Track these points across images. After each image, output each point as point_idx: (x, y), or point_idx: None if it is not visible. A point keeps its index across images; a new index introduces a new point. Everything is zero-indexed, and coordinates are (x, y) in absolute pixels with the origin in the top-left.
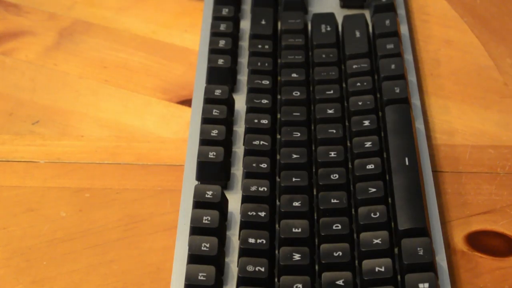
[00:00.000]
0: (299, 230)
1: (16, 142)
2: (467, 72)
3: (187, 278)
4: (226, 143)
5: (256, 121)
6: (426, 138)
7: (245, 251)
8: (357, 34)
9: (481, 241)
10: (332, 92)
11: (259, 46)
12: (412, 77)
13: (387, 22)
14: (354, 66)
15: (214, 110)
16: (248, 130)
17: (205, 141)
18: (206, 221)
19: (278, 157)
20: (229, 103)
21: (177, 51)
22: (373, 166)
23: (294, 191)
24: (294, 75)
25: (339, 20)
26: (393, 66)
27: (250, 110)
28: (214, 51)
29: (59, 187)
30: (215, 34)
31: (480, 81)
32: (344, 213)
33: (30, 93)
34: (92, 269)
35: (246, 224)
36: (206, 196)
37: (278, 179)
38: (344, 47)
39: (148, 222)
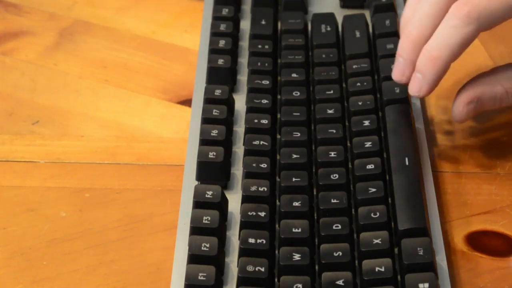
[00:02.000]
0: (299, 230)
1: (16, 142)
2: (467, 72)
3: (187, 278)
4: (226, 143)
5: (256, 121)
6: (426, 138)
7: (245, 251)
8: (357, 34)
9: (481, 241)
10: (332, 92)
11: (259, 46)
12: None
13: (387, 22)
14: (354, 66)
15: (214, 110)
16: (248, 130)
17: (205, 141)
18: (206, 221)
19: (278, 157)
20: (229, 103)
21: (177, 51)
22: (373, 166)
23: (294, 191)
24: (294, 75)
25: (339, 20)
26: (393, 66)
27: (250, 110)
28: (214, 51)
29: (59, 187)
30: (215, 34)
31: None
32: (344, 213)
33: (30, 93)
34: (92, 269)
35: (246, 224)
36: (206, 196)
37: (278, 179)
38: (344, 47)
39: (148, 222)
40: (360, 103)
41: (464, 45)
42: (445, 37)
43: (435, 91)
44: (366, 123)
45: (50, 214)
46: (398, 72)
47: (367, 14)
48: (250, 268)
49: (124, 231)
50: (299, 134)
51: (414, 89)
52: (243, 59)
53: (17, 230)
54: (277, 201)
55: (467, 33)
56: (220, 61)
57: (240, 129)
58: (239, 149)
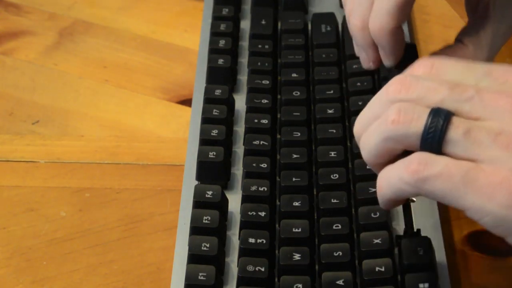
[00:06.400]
0: (299, 230)
1: (16, 142)
2: None
3: (187, 278)
4: (226, 143)
5: (256, 121)
6: None
7: (245, 251)
8: None
9: (481, 241)
10: (332, 92)
11: (259, 46)
12: None
13: None
14: (354, 66)
15: (214, 110)
16: (248, 130)
17: (205, 141)
18: (206, 221)
19: (278, 157)
20: (229, 103)
21: (177, 51)
22: None
23: (294, 191)
24: (294, 75)
25: (339, 20)
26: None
27: (250, 110)
28: (214, 51)
29: (59, 187)
30: (215, 34)
31: None
32: (344, 213)
33: (30, 93)
34: (92, 269)
35: (246, 224)
36: (206, 196)
37: (278, 179)
38: (344, 47)
39: (148, 222)
40: (360, 103)
41: (401, 5)
42: (380, 8)
43: None
44: None
45: (50, 214)
46: (364, 61)
47: None
48: (250, 268)
49: (124, 231)
50: (299, 134)
51: (385, 63)
52: (243, 59)
53: (17, 230)
54: (277, 201)
55: None
56: (220, 61)
57: (240, 129)
58: (239, 149)
